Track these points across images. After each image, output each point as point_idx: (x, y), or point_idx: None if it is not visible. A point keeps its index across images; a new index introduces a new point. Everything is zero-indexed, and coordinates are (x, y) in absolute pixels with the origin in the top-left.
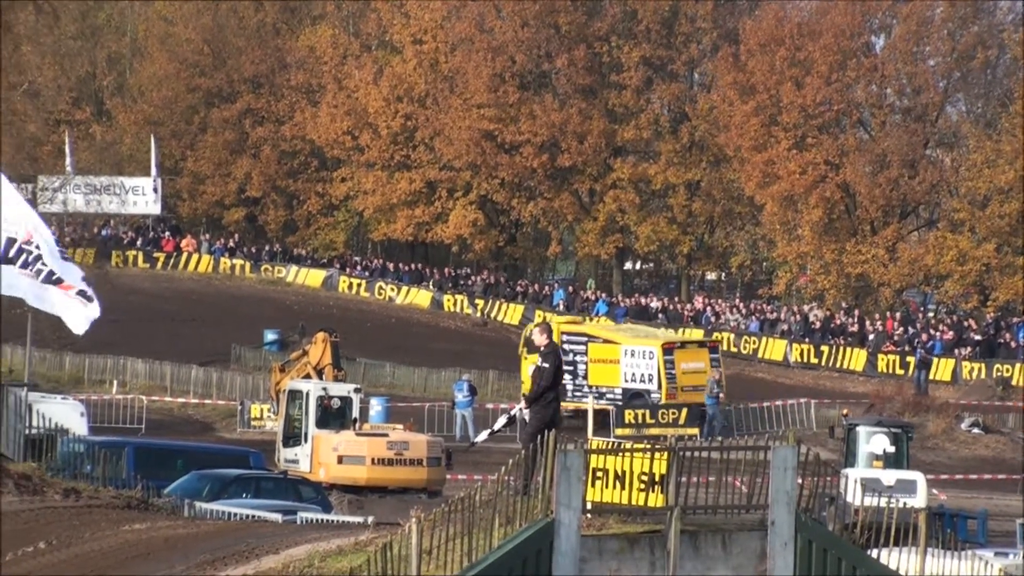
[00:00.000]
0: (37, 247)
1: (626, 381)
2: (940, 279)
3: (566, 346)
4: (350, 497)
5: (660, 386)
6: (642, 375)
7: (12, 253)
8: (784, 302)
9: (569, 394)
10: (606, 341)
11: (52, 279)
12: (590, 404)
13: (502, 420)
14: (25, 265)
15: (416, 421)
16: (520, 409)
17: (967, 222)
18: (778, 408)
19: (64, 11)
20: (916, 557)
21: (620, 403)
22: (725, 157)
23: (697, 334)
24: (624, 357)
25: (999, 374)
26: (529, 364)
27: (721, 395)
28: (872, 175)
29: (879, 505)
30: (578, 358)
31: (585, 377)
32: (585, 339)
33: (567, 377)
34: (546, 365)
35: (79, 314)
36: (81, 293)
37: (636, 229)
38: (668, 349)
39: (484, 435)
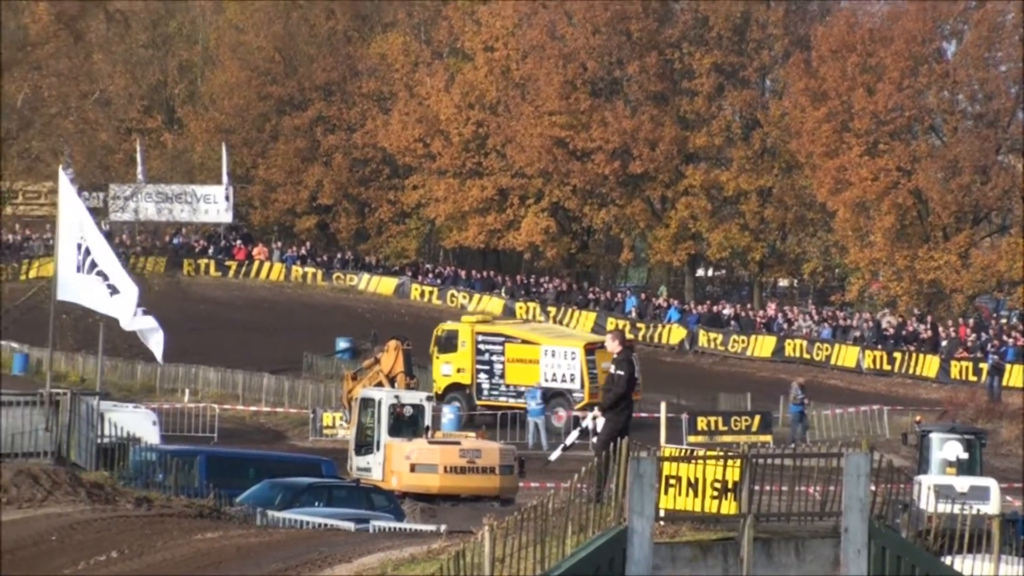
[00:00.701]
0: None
1: (546, 380)
2: (1013, 285)
3: (480, 346)
4: (423, 505)
5: (583, 385)
6: (563, 375)
7: (80, 261)
8: (856, 309)
9: (486, 392)
10: (525, 341)
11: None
12: (663, 411)
13: (574, 435)
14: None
15: (488, 429)
16: (593, 418)
17: None
18: (851, 415)
19: (135, 19)
20: (990, 564)
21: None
22: (797, 163)
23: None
24: (544, 357)
25: None
26: (441, 363)
27: (806, 400)
28: (944, 181)
29: (952, 512)
30: (495, 358)
31: (502, 376)
32: (502, 339)
33: (483, 376)
34: (620, 372)
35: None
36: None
37: (708, 236)
38: (590, 349)
39: (558, 452)
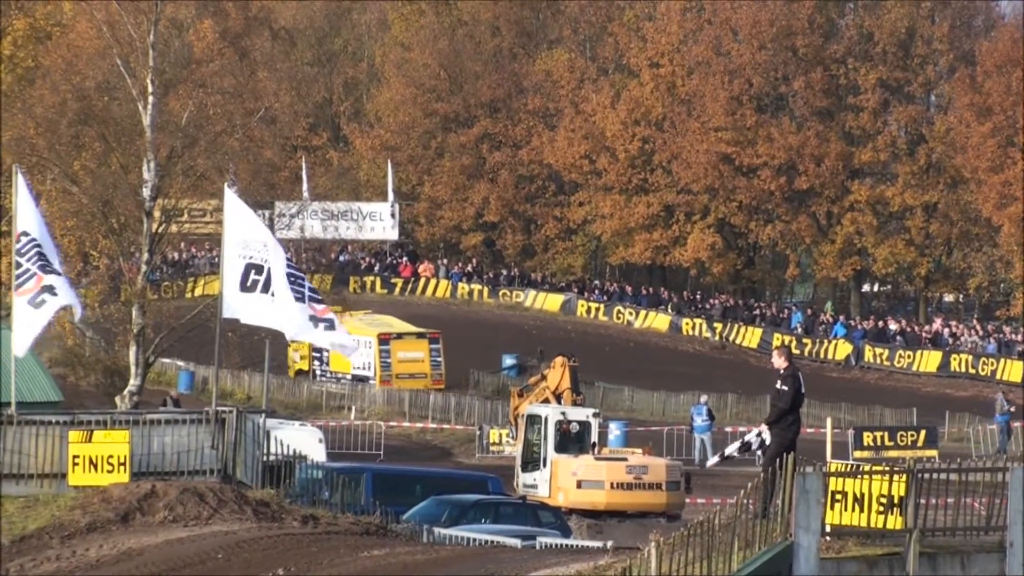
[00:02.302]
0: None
1: (355, 368)
2: None
3: None
4: (589, 522)
5: (375, 373)
6: (365, 363)
7: (250, 280)
8: (1022, 323)
9: (318, 377)
10: None
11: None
12: (828, 426)
13: (735, 446)
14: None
15: (654, 445)
16: (758, 434)
17: None
18: (1016, 429)
19: (300, 37)
20: None
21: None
22: (962, 178)
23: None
24: None
25: None
26: (291, 351)
27: (1011, 409)
28: None
29: None
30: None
31: (328, 363)
32: None
33: (316, 363)
34: (785, 388)
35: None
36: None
37: (874, 251)
38: (384, 340)
39: (715, 459)
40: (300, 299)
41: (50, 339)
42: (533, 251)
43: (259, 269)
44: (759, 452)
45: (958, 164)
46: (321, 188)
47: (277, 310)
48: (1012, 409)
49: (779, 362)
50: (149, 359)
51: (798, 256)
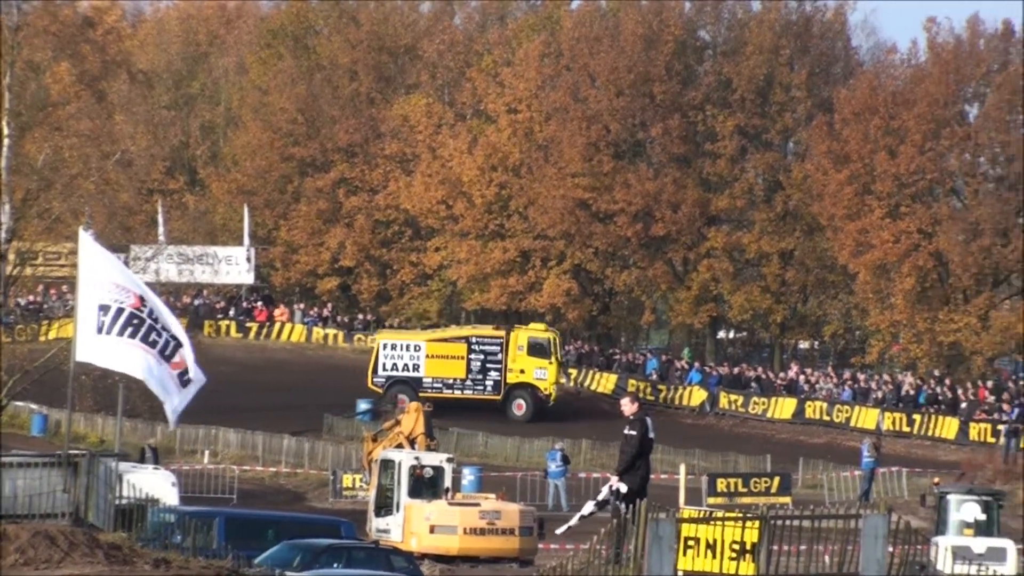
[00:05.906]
0: (150, 313)
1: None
2: None
3: None
4: (442, 567)
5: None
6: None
7: (119, 322)
8: (877, 371)
9: None
10: None
11: (167, 351)
12: (682, 473)
13: (590, 505)
14: (135, 335)
15: (508, 490)
16: (610, 487)
17: None
18: (878, 476)
19: (158, 80)
20: None
21: None
22: (819, 226)
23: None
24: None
25: None
26: None
27: (876, 456)
28: (965, 243)
29: (970, 573)
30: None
31: None
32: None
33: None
34: (633, 432)
35: (174, 401)
36: (182, 375)
37: (730, 298)
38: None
39: (575, 520)
40: (153, 346)
41: None
42: (388, 296)
43: (108, 310)
44: (618, 503)
45: (815, 211)
46: (177, 232)
47: (128, 353)
48: (877, 456)
49: (629, 408)
50: (2, 402)
51: (654, 302)
